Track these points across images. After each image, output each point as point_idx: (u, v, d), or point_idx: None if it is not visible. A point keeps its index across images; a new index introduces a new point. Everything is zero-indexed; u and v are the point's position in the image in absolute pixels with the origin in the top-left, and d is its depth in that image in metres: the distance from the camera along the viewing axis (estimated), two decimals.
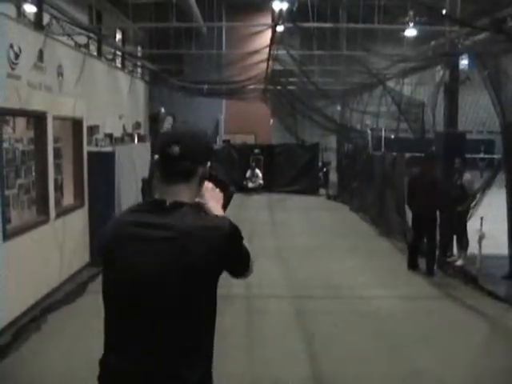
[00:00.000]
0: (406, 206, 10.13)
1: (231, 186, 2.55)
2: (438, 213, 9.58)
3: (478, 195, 9.37)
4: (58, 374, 5.43)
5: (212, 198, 2.37)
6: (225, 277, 2.36)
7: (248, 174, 21.67)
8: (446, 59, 10.67)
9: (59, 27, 10.61)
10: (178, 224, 2.13)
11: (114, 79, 15.19)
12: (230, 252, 2.27)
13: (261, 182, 21.63)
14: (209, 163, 2.35)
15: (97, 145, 11.03)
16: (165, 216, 2.16)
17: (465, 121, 11.00)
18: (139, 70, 20.99)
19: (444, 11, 10.03)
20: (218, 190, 2.41)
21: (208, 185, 2.36)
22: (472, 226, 9.47)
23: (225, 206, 2.48)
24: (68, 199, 9.16)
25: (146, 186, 11.01)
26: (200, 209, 2.31)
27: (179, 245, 2.10)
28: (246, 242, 2.42)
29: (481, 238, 8.77)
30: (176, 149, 2.19)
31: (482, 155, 27.34)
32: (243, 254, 2.39)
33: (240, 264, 2.42)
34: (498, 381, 5.69)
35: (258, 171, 21.70)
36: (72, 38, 11.46)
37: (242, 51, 20.03)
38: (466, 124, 11.39)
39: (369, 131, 17.36)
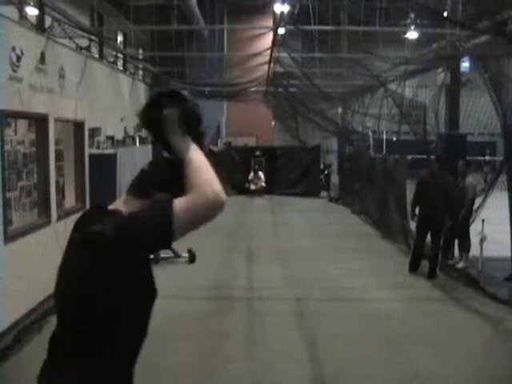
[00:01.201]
0: (411, 208, 10.07)
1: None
2: (445, 216, 9.54)
3: (480, 198, 9.37)
4: None
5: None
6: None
7: (251, 176, 21.71)
8: (447, 62, 10.68)
9: (61, 30, 10.61)
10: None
11: (115, 81, 15.21)
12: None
13: (263, 184, 21.66)
14: None
15: (98, 147, 11.05)
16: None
17: (466, 123, 11.00)
18: (141, 72, 21.02)
19: (445, 14, 10.03)
20: None
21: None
22: (474, 228, 9.47)
23: None
24: (69, 201, 9.16)
25: None
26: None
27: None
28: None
29: (482, 240, 8.76)
30: None
31: (486, 157, 25.78)
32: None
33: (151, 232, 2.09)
34: (500, 383, 5.69)
35: (261, 173, 21.75)
36: (74, 41, 11.48)
37: (243, 53, 20.06)
38: (468, 126, 11.39)
39: (370, 133, 17.36)
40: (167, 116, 2.18)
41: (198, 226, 2.10)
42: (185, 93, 2.37)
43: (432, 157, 10.20)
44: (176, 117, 2.19)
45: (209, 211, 2.07)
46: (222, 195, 2.07)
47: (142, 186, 2.25)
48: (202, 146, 2.29)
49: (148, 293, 2.35)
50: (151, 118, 2.23)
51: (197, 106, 2.31)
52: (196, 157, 2.18)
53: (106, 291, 2.11)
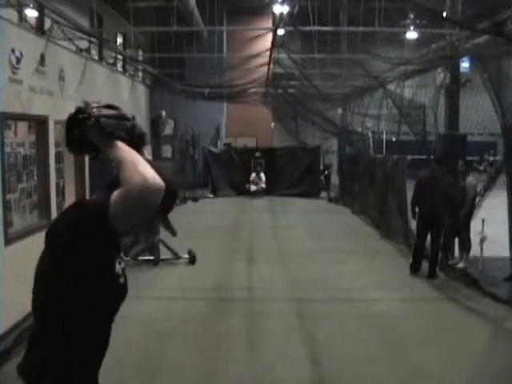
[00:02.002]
0: (411, 207, 10.08)
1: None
2: (445, 216, 9.55)
3: (479, 198, 9.38)
4: None
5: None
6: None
7: (252, 177, 21.72)
8: (446, 62, 10.68)
9: (60, 32, 10.59)
10: None
11: (115, 83, 15.20)
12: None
13: (263, 185, 21.67)
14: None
15: None
16: None
17: (466, 123, 11.00)
18: (140, 73, 21.01)
19: (444, 14, 10.04)
20: None
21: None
22: (474, 228, 9.48)
23: None
24: (70, 203, 9.15)
25: None
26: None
27: None
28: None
29: (482, 240, 8.76)
30: None
31: (490, 158, 24.34)
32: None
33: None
34: (500, 383, 5.69)
35: (262, 175, 21.77)
36: (73, 43, 11.46)
37: (242, 55, 20.05)
38: (468, 126, 11.39)
39: (370, 134, 17.35)
40: (79, 134, 2.29)
41: (141, 212, 2.16)
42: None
43: (431, 157, 10.21)
44: (88, 129, 2.27)
45: (146, 197, 2.09)
46: (155, 180, 2.09)
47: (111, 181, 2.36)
48: (136, 140, 2.35)
49: (110, 289, 2.37)
50: (71, 143, 2.36)
51: (110, 106, 2.38)
52: (119, 153, 2.23)
53: (63, 283, 2.23)
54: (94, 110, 2.31)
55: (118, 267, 2.40)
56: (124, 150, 2.25)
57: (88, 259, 2.23)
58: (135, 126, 2.40)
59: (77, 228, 2.21)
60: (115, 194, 2.12)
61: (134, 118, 2.46)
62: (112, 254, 2.35)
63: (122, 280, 2.42)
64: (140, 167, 2.13)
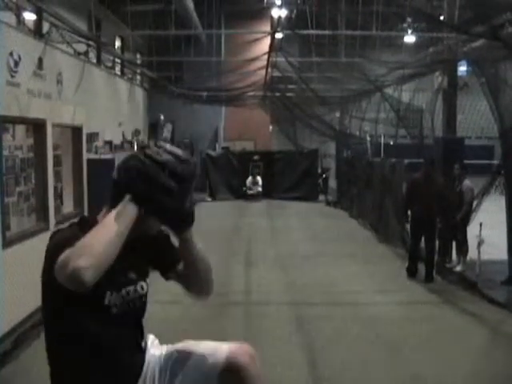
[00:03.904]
0: (403, 210, 10.11)
1: None
2: (437, 218, 9.59)
3: (476, 201, 9.39)
4: None
5: None
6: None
7: (249, 180, 21.72)
8: (444, 65, 10.71)
9: (59, 35, 10.63)
10: None
11: (113, 86, 15.23)
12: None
13: (259, 189, 21.67)
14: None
15: (96, 152, 11.06)
16: None
17: (463, 126, 11.04)
18: (138, 77, 21.06)
19: (442, 18, 10.08)
20: None
21: None
22: (471, 231, 9.49)
23: None
24: (68, 207, 9.16)
25: None
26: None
27: None
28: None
29: (480, 243, 8.78)
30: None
31: (495, 162, 24.00)
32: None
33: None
34: None
35: (258, 178, 21.77)
36: (71, 46, 11.50)
37: (241, 58, 20.10)
38: (466, 129, 11.43)
39: (368, 137, 17.39)
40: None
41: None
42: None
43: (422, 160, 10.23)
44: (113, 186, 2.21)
45: (66, 280, 1.93)
46: (81, 274, 1.88)
47: (112, 194, 2.25)
48: (149, 207, 2.08)
49: (98, 322, 2.28)
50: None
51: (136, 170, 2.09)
52: (102, 224, 2.05)
53: (54, 315, 2.25)
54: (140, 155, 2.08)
55: (109, 298, 2.27)
56: (109, 220, 2.05)
57: (60, 300, 2.15)
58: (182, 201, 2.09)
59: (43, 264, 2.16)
60: (63, 255, 1.96)
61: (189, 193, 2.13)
62: (94, 290, 2.03)
63: (114, 310, 2.30)
64: (85, 253, 1.91)
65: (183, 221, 2.17)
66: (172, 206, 2.06)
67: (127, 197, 2.06)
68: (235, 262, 10.93)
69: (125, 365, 2.38)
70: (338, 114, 21.11)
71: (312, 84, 17.68)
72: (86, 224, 2.23)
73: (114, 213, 2.05)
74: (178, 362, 2.51)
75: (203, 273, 2.45)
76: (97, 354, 2.28)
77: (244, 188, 21.62)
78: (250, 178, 21.71)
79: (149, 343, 2.62)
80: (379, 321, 7.49)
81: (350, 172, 17.77)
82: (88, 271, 1.87)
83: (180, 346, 2.62)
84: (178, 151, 2.10)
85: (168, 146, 2.09)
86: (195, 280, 2.46)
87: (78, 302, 2.14)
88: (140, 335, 2.53)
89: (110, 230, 1.99)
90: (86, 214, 9.33)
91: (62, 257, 1.95)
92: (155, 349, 2.62)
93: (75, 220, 2.39)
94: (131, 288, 2.39)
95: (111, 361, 2.32)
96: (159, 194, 2.03)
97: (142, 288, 2.46)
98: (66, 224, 2.40)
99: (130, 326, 2.43)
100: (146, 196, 2.04)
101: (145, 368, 2.48)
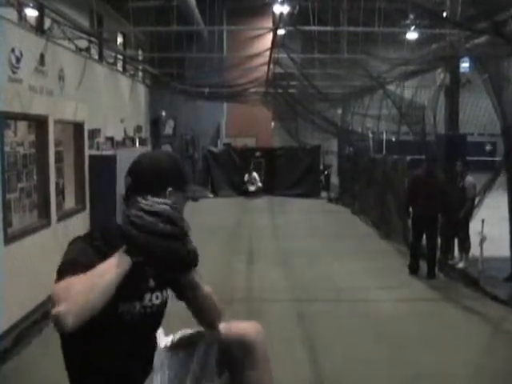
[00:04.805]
0: (404, 207, 10.11)
1: None
2: (439, 215, 9.58)
3: (478, 198, 9.37)
4: (60, 378, 5.42)
5: None
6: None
7: (246, 177, 21.68)
8: (446, 62, 10.68)
9: (60, 31, 10.61)
10: None
11: (115, 83, 15.20)
12: None
13: (259, 184, 21.64)
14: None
15: (98, 148, 11.04)
16: None
17: (466, 123, 11.00)
18: (140, 73, 21.02)
19: (444, 14, 10.04)
20: None
21: None
22: (473, 228, 9.47)
23: None
24: (69, 203, 9.17)
25: None
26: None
27: None
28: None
29: (482, 240, 8.76)
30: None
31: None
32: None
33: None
34: (499, 383, 5.69)
35: (255, 174, 21.69)
36: (73, 42, 11.47)
37: (243, 54, 20.06)
38: (468, 126, 11.39)
39: (370, 134, 17.37)
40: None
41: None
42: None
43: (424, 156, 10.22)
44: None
45: (51, 318, 1.97)
46: (62, 320, 1.91)
47: (126, 194, 2.31)
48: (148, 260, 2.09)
49: (112, 329, 2.30)
50: None
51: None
52: (96, 270, 2.04)
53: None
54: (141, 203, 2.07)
55: (122, 307, 2.30)
56: (101, 267, 2.04)
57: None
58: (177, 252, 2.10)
59: None
60: (57, 288, 2.03)
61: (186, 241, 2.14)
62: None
63: (128, 317, 2.33)
64: (71, 299, 1.93)
65: (187, 263, 2.21)
66: (174, 248, 2.09)
67: (123, 248, 2.07)
68: (237, 258, 10.93)
69: (136, 371, 2.46)
70: (340, 111, 21.07)
71: (314, 80, 17.63)
72: (98, 239, 2.31)
73: (109, 262, 2.06)
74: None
75: (207, 312, 2.65)
76: (110, 361, 2.36)
77: (244, 185, 21.60)
78: (246, 175, 21.66)
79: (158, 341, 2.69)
80: (381, 317, 7.50)
81: (352, 169, 17.75)
82: (68, 318, 1.90)
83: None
84: (167, 201, 2.13)
85: (156, 198, 2.11)
86: (199, 315, 2.64)
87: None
88: (153, 345, 2.60)
89: (101, 280, 2.00)
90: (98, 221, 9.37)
91: (55, 291, 2.02)
92: (162, 342, 2.71)
93: (90, 231, 2.46)
94: (148, 296, 2.45)
95: (124, 367, 2.40)
96: (160, 240, 2.04)
97: (157, 297, 2.51)
98: (84, 233, 2.44)
99: (143, 334, 2.48)
100: (147, 245, 2.04)
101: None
